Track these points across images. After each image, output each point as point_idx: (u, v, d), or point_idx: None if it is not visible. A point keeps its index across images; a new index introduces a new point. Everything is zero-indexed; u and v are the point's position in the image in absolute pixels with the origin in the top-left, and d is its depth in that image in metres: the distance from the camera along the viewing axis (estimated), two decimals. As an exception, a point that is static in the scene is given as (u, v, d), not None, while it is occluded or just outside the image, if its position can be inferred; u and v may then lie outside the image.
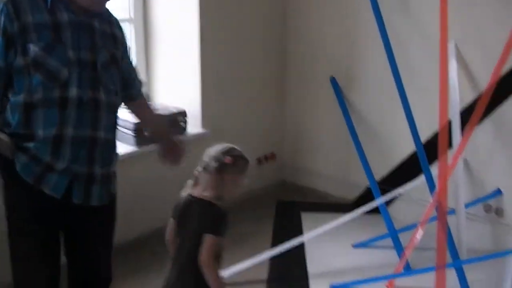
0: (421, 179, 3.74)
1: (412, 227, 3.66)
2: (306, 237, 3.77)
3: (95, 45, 2.23)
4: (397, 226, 3.81)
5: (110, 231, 2.53)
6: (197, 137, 4.18)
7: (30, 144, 2.15)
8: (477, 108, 3.58)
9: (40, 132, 2.14)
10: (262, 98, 4.75)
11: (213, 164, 2.31)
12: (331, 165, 4.74)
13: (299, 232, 4.05)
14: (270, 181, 4.97)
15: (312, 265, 3.70)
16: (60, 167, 2.19)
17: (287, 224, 4.30)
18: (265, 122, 4.83)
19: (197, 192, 2.34)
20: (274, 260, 3.69)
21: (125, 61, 2.45)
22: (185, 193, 2.38)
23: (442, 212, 3.30)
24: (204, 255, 2.24)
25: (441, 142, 3.48)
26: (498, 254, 3.44)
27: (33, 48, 2.08)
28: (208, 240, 2.24)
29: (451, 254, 3.39)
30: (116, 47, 2.35)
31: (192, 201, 2.33)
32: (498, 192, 3.72)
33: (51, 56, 2.11)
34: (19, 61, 2.09)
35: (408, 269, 3.53)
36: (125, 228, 3.81)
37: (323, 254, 3.84)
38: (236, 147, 2.41)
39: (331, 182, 4.75)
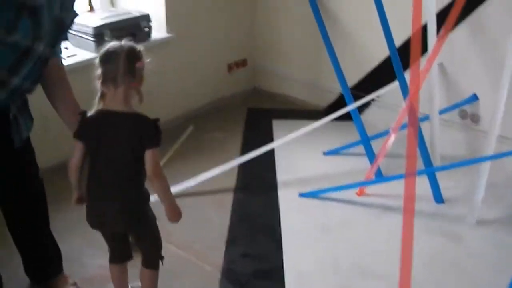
0: (394, 84, 3.61)
1: (384, 133, 3.55)
2: (276, 144, 3.64)
3: None
4: (370, 132, 3.69)
5: None
6: (162, 42, 3.98)
7: None
8: (454, 9, 3.40)
9: None
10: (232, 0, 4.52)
11: (122, 74, 2.01)
12: (303, 71, 4.57)
13: (269, 139, 3.93)
14: (241, 88, 4.80)
15: (282, 173, 3.60)
16: None
17: (258, 132, 4.18)
18: (235, 26, 4.61)
19: (110, 106, 2.06)
20: (242, 167, 3.59)
21: None
22: (92, 110, 2.11)
23: (413, 117, 3.17)
24: (154, 168, 2.08)
25: (414, 45, 3.31)
26: (470, 161, 3.34)
27: None
28: (151, 153, 2.06)
29: (423, 160, 3.30)
30: None
31: (111, 116, 2.06)
32: (474, 97, 3.60)
33: None
34: None
35: (379, 176, 3.45)
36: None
37: (293, 161, 3.74)
38: (129, 41, 2.09)
39: (303, 88, 4.59)
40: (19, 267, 2.64)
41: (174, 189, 3.33)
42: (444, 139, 3.57)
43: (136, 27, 3.77)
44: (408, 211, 2.71)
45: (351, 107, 3.63)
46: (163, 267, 2.59)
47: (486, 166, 3.07)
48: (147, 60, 2.08)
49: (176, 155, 3.80)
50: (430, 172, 3.24)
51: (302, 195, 3.33)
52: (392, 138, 3.32)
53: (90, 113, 2.10)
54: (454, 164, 3.28)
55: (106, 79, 2.02)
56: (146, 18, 3.83)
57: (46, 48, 2.06)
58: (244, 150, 3.80)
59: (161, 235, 2.41)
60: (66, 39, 2.33)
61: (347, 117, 3.68)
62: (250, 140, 4.02)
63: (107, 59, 2.03)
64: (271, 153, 3.73)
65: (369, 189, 3.35)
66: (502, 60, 3.22)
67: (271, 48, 4.73)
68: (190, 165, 3.65)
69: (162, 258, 2.39)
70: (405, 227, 2.64)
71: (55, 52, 2.25)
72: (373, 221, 3.13)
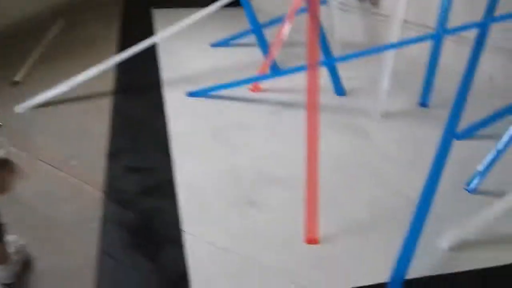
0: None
1: (278, 21, 3.21)
2: (158, 38, 3.22)
3: None
4: (262, 19, 3.33)
5: None
6: None
7: None
8: None
9: None
10: None
11: None
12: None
13: (150, 32, 3.50)
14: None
15: (166, 70, 3.20)
16: None
17: (137, 24, 3.72)
18: None
19: None
20: (121, 67, 3.15)
21: None
22: None
23: (312, 1, 2.81)
24: None
25: None
26: (375, 50, 3.04)
27: None
28: None
29: (322, 50, 2.99)
30: None
31: None
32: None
33: None
34: None
35: (275, 69, 3.13)
36: None
37: (178, 57, 3.34)
38: None
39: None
40: None
41: (44, 96, 2.90)
42: (343, 25, 3.28)
43: None
44: (312, 106, 2.42)
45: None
46: (36, 190, 2.23)
47: (391, 55, 2.81)
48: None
49: (45, 56, 3.31)
50: (331, 63, 2.94)
51: (190, 94, 2.97)
52: (288, 26, 2.99)
53: None
54: (357, 54, 2.98)
55: None
56: None
57: None
58: (122, 46, 3.36)
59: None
60: None
61: (235, 3, 3.27)
62: (129, 34, 3.56)
63: None
64: (153, 48, 3.32)
65: (264, 84, 3.02)
66: None
67: None
68: (61, 67, 3.19)
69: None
70: (310, 124, 2.35)
71: None
72: (272, 120, 2.82)
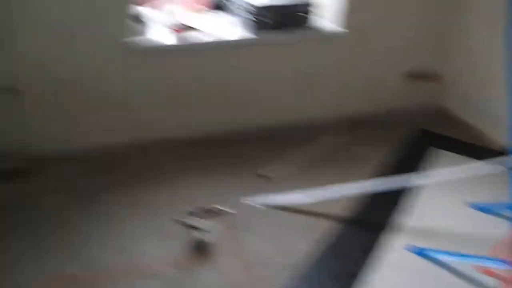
0: None
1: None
2: (418, 181, 3.10)
3: None
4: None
5: None
6: (332, 36, 3.67)
7: None
8: None
9: None
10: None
11: None
12: (503, 102, 3.79)
13: (416, 168, 3.41)
14: (421, 104, 4.23)
15: (403, 214, 3.04)
16: None
17: (412, 158, 3.57)
18: (428, 31, 4.00)
19: None
20: (367, 197, 3.11)
21: None
22: None
23: None
24: None
25: None
26: None
27: None
28: None
29: None
30: None
31: None
32: None
33: None
34: None
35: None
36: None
37: (426, 203, 3.12)
38: None
39: (497, 124, 3.76)
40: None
41: (279, 198, 3.02)
42: None
43: (297, 14, 3.50)
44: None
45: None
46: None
47: None
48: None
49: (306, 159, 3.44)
50: None
51: (410, 249, 2.76)
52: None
53: None
54: None
55: None
56: (310, 6, 3.53)
57: None
58: (383, 174, 3.31)
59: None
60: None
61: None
62: (398, 164, 3.47)
63: None
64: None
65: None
66: None
67: (469, 65, 4.02)
68: (312, 177, 3.28)
69: None
70: None
71: None
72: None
